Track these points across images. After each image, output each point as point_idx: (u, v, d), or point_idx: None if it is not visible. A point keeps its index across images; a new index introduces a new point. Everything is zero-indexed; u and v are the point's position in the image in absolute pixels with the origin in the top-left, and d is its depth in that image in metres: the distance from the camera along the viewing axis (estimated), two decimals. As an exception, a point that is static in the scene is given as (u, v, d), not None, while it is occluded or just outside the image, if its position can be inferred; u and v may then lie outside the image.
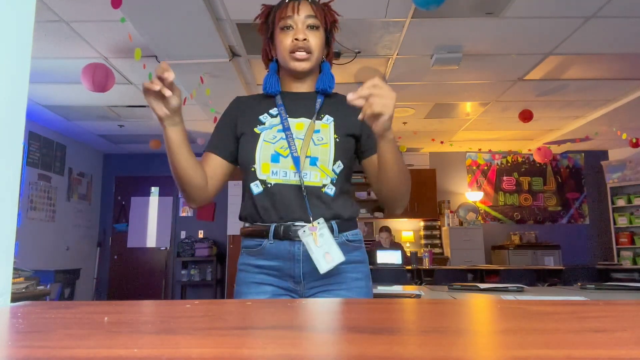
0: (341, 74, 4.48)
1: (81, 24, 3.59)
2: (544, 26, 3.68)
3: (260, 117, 1.27)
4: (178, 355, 0.36)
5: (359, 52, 4.09)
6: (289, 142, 1.21)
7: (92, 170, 7.70)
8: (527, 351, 0.38)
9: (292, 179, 1.20)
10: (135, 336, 0.45)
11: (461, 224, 7.57)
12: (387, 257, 5.66)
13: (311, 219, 1.18)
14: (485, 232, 7.49)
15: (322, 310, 0.68)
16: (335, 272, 1.19)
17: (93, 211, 7.70)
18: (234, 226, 7.23)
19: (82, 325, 0.53)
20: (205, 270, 7.49)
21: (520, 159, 7.99)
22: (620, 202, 7.24)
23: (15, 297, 2.47)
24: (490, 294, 2.56)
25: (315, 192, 1.21)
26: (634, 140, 5.98)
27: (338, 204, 1.23)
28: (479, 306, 0.78)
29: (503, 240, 7.71)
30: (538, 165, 7.89)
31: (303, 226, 1.18)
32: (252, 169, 1.22)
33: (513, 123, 6.18)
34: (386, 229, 6.24)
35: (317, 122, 1.25)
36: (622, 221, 7.21)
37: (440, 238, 7.70)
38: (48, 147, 6.51)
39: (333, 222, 1.21)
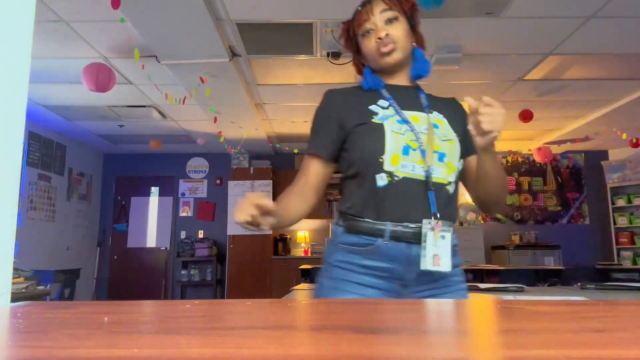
0: (341, 73, 4.47)
1: (81, 24, 3.59)
2: (544, 26, 3.68)
3: (371, 108, 1.22)
4: (178, 355, 0.36)
5: (359, 52, 4.09)
6: (416, 135, 1.16)
7: (92, 170, 7.69)
8: (527, 351, 0.38)
9: (419, 173, 1.15)
10: (135, 336, 0.45)
11: (461, 224, 7.56)
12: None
13: (438, 215, 1.13)
14: (485, 232, 7.48)
15: (322, 310, 0.68)
16: (441, 276, 1.16)
17: (93, 211, 7.70)
18: (234, 226, 7.21)
19: (82, 325, 0.53)
20: (205, 270, 7.48)
21: (520, 159, 7.98)
22: (620, 202, 7.23)
23: (15, 297, 2.46)
24: (490, 294, 2.56)
25: (440, 189, 1.16)
26: (634, 140, 5.98)
27: (454, 205, 1.20)
28: (479, 306, 0.78)
29: (503, 240, 7.70)
30: (538, 165, 7.88)
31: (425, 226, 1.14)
32: (380, 160, 1.15)
33: (513, 123, 6.18)
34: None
35: (430, 115, 1.22)
36: (622, 221, 7.21)
37: (440, 238, 7.68)
38: (48, 147, 6.51)
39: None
